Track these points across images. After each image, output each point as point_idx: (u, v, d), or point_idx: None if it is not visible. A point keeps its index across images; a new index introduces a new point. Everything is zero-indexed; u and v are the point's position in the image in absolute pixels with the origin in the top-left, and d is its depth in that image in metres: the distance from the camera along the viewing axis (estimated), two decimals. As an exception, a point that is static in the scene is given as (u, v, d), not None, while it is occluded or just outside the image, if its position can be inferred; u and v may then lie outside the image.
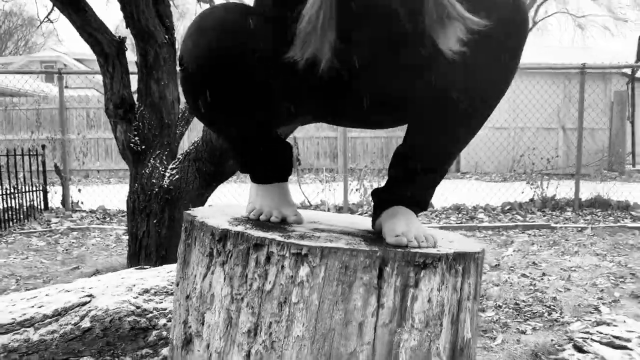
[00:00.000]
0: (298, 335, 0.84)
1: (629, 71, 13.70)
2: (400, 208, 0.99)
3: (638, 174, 11.69)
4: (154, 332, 1.26)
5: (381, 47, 0.94)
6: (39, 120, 11.66)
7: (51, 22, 6.06)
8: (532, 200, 5.65)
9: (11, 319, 1.13)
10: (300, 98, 1.00)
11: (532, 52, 14.77)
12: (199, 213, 1.06)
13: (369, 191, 5.43)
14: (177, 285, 1.05)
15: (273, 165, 1.08)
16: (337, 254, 0.83)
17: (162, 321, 1.28)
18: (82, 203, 5.65)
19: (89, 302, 1.21)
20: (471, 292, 0.94)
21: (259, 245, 0.87)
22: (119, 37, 2.96)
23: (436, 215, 5.40)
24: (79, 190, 5.68)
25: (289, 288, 0.84)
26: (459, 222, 5.12)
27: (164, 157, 3.05)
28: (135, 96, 3.10)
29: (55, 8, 5.50)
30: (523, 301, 2.79)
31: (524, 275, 3.32)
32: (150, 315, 1.26)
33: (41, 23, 5.87)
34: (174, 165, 3.04)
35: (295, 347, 0.84)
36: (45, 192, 5.39)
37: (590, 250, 4.01)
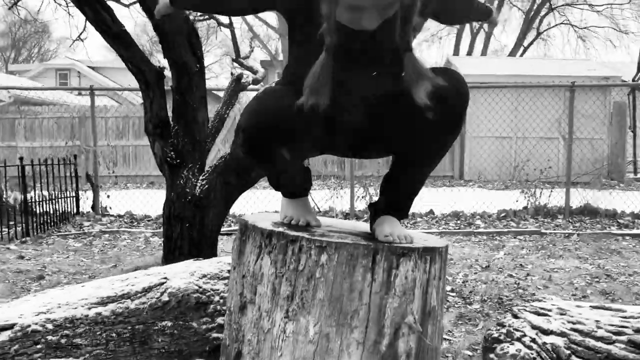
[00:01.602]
0: (320, 299, 1.29)
1: (630, 81, 14.08)
2: (388, 217, 1.44)
3: (637, 183, 12.04)
4: (211, 306, 1.72)
5: (370, 103, 1.40)
6: (60, 128, 12.22)
7: (82, 40, 6.58)
8: (525, 208, 6.07)
9: (114, 293, 1.58)
10: (316, 143, 1.44)
11: (534, 63, 15.19)
12: (249, 219, 1.52)
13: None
14: (234, 269, 1.51)
15: (298, 186, 1.54)
16: (346, 247, 1.29)
17: (216, 298, 1.73)
18: (110, 208, 6.14)
19: (165, 282, 1.67)
20: (437, 274, 1.39)
21: (294, 241, 1.33)
22: (159, 67, 3.44)
23: (436, 222, 5.84)
24: (108, 196, 6.17)
25: (314, 268, 1.30)
26: (457, 227, 5.56)
27: (196, 170, 3.52)
28: (170, 116, 3.57)
29: (85, 29, 5.99)
30: (506, 296, 3.22)
31: (510, 275, 3.75)
32: (209, 293, 1.72)
33: (73, 42, 6.37)
34: (204, 177, 3.51)
35: (318, 307, 1.29)
36: (77, 198, 5.89)
37: (574, 254, 4.43)
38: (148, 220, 5.87)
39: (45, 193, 5.36)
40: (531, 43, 22.89)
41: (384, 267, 1.30)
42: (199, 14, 4.77)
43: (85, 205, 6.14)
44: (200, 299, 1.68)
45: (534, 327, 1.47)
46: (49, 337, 1.37)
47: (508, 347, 1.46)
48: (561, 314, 1.47)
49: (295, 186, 1.54)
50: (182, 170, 3.50)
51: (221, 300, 1.73)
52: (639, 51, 14.16)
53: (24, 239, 4.94)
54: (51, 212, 5.47)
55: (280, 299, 1.33)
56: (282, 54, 20.16)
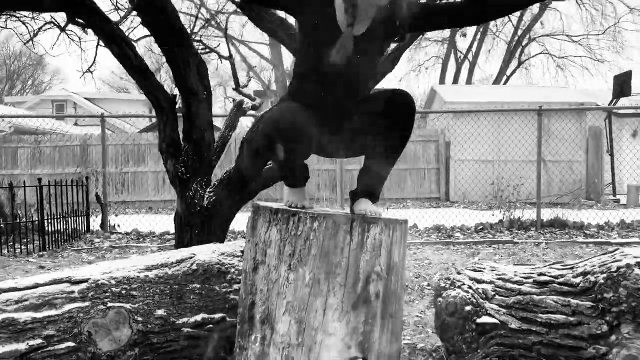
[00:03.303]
0: (313, 254, 1.80)
1: (606, 106, 14.81)
2: (363, 199, 1.96)
3: (614, 203, 12.64)
4: (229, 276, 2.21)
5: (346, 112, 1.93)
6: (62, 156, 12.71)
7: (91, 72, 7.13)
8: (501, 221, 6.60)
9: (156, 263, 2.07)
10: (314, 145, 1.97)
11: (516, 91, 15.94)
12: (260, 204, 2.03)
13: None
14: (249, 241, 2.01)
15: (299, 178, 2.06)
16: (331, 217, 1.80)
17: (233, 270, 2.23)
18: (118, 226, 6.61)
19: (194, 257, 2.17)
20: (398, 240, 1.90)
21: (294, 214, 1.84)
22: (172, 95, 3.97)
23: (419, 235, 6.35)
24: (116, 215, 6.64)
25: (309, 233, 1.81)
26: (438, 239, 6.07)
27: (204, 184, 4.02)
28: (181, 137, 4.08)
29: (95, 63, 6.54)
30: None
31: (481, 274, 4.25)
32: (227, 266, 2.21)
33: (84, 74, 6.91)
34: (211, 190, 4.01)
35: (312, 260, 1.79)
36: (88, 217, 6.35)
37: (541, 259, 4.94)
38: (154, 237, 6.33)
39: (59, 212, 5.82)
40: (514, 72, 23.81)
41: (359, 231, 1.81)
42: (205, 48, 5.35)
43: (95, 224, 6.60)
44: (221, 270, 2.18)
45: (471, 279, 1.97)
46: (113, 289, 1.86)
47: (451, 292, 1.95)
48: (492, 270, 1.97)
49: (296, 179, 2.05)
50: (192, 184, 4.00)
51: (236, 272, 2.22)
52: (613, 79, 14.89)
53: (41, 254, 5.39)
54: (63, 230, 5.92)
55: (285, 256, 1.84)
56: (275, 84, 20.86)
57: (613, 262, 1.75)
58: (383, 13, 1.90)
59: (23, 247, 5.48)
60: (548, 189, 12.67)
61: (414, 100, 1.89)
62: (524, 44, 22.97)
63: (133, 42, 5.71)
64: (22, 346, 1.58)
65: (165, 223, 7.46)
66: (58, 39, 6.31)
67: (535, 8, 22.30)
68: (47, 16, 6.74)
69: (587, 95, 15.67)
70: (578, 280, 1.81)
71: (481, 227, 6.50)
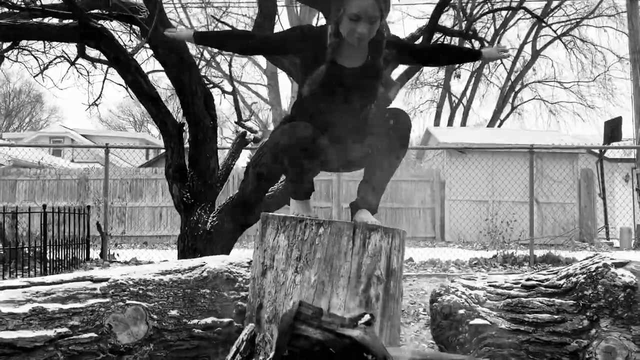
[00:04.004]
0: (318, 258, 1.94)
1: (597, 150, 15.17)
2: (363, 209, 2.12)
3: (607, 245, 12.79)
4: (237, 283, 2.34)
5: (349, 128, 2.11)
6: (60, 189, 12.84)
7: (96, 105, 7.36)
8: (495, 256, 6.74)
9: (169, 268, 2.20)
10: (320, 160, 2.14)
11: (509, 134, 16.31)
12: (269, 214, 2.18)
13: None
14: (257, 248, 2.15)
15: (305, 192, 2.22)
16: (335, 223, 1.95)
17: (240, 278, 2.36)
18: (118, 255, 6.70)
19: (205, 265, 2.30)
20: (397, 247, 2.05)
21: (301, 221, 1.99)
22: (180, 122, 4.16)
23: (415, 267, 6.46)
24: (116, 245, 6.74)
25: (314, 238, 1.96)
26: (433, 272, 6.18)
27: (207, 208, 4.17)
28: (187, 163, 4.25)
29: (101, 97, 6.77)
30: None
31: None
32: (235, 274, 2.34)
33: (89, 107, 7.13)
34: (214, 215, 4.16)
35: (317, 263, 1.94)
36: (88, 245, 6.45)
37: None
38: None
39: (61, 239, 5.92)
40: (507, 116, 24.35)
41: (360, 237, 1.96)
42: (209, 83, 5.59)
43: (94, 253, 6.69)
44: (230, 277, 2.31)
45: (464, 286, 2.11)
46: (131, 288, 1.98)
47: (445, 297, 2.08)
48: (483, 279, 2.11)
49: (301, 192, 2.22)
50: (196, 208, 4.15)
51: (244, 280, 2.35)
52: (604, 124, 15.30)
53: (42, 279, 5.46)
54: (64, 257, 6.01)
55: (292, 260, 1.98)
56: (272, 124, 21.24)
57: (592, 264, 1.90)
58: (376, 49, 2.13)
59: (24, 274, 5.55)
60: (541, 230, 12.84)
61: (409, 118, 2.08)
62: (516, 89, 23.59)
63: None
64: (51, 332, 1.70)
65: (162, 257, 7.52)
66: (67, 71, 6.56)
67: (527, 55, 23.03)
68: (57, 50, 7.00)
69: (579, 140, 16.04)
70: (561, 282, 1.96)
71: (475, 262, 6.63)
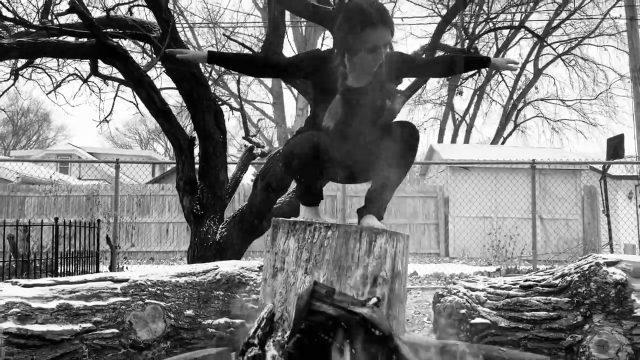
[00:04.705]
0: (327, 259, 2.05)
1: (600, 167, 15.26)
2: (369, 215, 2.23)
3: (611, 261, 12.80)
4: (247, 287, 2.45)
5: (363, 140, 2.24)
6: (69, 205, 12.99)
7: (107, 121, 7.54)
8: (498, 270, 6.81)
9: (185, 271, 2.32)
10: (328, 170, 2.26)
11: (513, 151, 16.42)
12: (280, 219, 2.30)
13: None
14: (268, 251, 2.26)
15: (314, 199, 2.34)
16: (343, 226, 2.07)
17: (251, 282, 2.47)
18: (126, 268, 6.80)
19: (218, 268, 2.41)
20: (401, 250, 2.16)
21: (310, 224, 2.11)
22: (191, 136, 4.31)
23: (419, 281, 6.54)
24: (124, 258, 6.85)
25: (323, 240, 2.07)
26: (438, 285, 6.26)
27: (216, 220, 4.29)
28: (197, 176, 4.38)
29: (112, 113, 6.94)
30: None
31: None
32: (246, 278, 2.45)
33: (100, 123, 7.30)
34: (223, 226, 4.27)
35: (326, 264, 2.05)
36: (97, 258, 6.56)
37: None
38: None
39: (71, 252, 6.04)
40: (510, 134, 24.49)
41: (367, 240, 2.07)
42: (217, 100, 5.74)
43: (103, 267, 6.79)
44: (242, 280, 2.43)
45: (466, 287, 2.21)
46: (149, 289, 2.10)
47: (448, 297, 2.18)
48: (484, 281, 2.21)
49: (311, 199, 2.33)
50: (205, 219, 4.27)
51: (254, 284, 2.47)
52: (607, 141, 15.41)
53: (53, 290, 5.57)
54: (74, 270, 6.12)
55: (301, 261, 2.09)
56: (277, 142, 21.43)
57: (585, 263, 2.01)
58: (380, 68, 2.25)
59: (35, 285, 5.66)
60: (545, 246, 12.87)
61: (417, 129, 2.20)
62: (519, 107, 23.76)
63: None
64: (76, 327, 1.81)
65: (171, 268, 7.62)
66: (80, 89, 6.74)
67: (529, 74, 23.24)
68: (70, 68, 7.19)
69: (581, 156, 16.12)
70: (557, 281, 2.06)
71: (479, 274, 6.70)
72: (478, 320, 2.09)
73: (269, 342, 1.61)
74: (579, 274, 1.99)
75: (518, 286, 2.13)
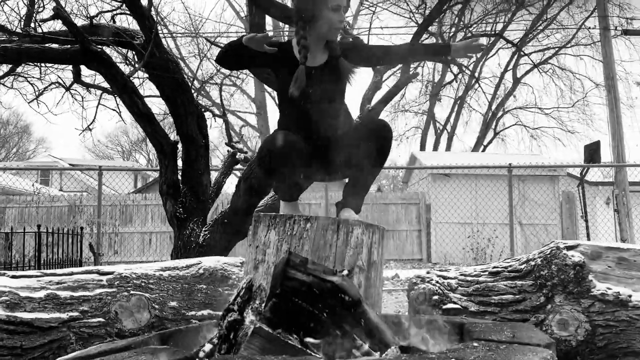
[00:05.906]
0: (306, 250, 2.14)
1: (578, 174, 15.57)
2: (347, 208, 2.33)
3: (590, 265, 13.04)
4: (230, 281, 2.53)
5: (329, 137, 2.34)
6: (49, 216, 12.90)
7: (90, 130, 7.56)
8: (478, 272, 6.95)
9: (168, 266, 2.39)
10: (308, 168, 2.36)
11: (493, 157, 16.69)
12: (261, 214, 2.39)
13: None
14: (250, 245, 2.35)
15: (292, 193, 2.43)
16: (321, 218, 2.16)
17: (233, 276, 2.55)
18: (109, 275, 6.82)
19: (201, 263, 2.49)
20: (377, 241, 2.26)
21: (290, 218, 2.20)
22: (174, 141, 4.38)
23: (401, 283, 6.64)
24: (107, 264, 6.86)
25: (302, 232, 2.16)
26: (418, 287, 6.37)
27: (199, 223, 4.36)
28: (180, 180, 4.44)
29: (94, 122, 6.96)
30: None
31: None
32: (229, 272, 2.53)
33: (83, 132, 7.32)
34: (206, 229, 4.34)
35: (305, 254, 2.14)
36: (81, 265, 6.56)
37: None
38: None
39: (54, 259, 6.04)
40: (490, 142, 24.86)
41: (344, 231, 2.17)
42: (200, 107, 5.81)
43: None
44: (224, 274, 2.51)
45: (438, 275, 2.32)
46: (134, 281, 2.17)
47: (421, 285, 2.28)
48: (456, 270, 2.33)
49: (289, 193, 2.43)
50: (189, 223, 4.34)
51: (237, 278, 2.55)
52: (584, 148, 15.73)
53: (35, 297, 5.56)
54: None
55: (282, 253, 2.18)
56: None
57: (547, 249, 2.13)
58: (335, 49, 2.35)
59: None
60: (525, 250, 13.07)
61: (390, 126, 2.31)
62: (498, 115, 24.16)
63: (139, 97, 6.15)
64: (64, 315, 1.87)
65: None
66: (62, 97, 6.76)
67: (508, 83, 23.67)
68: (53, 77, 7.21)
69: (559, 162, 16.42)
70: (522, 266, 2.18)
71: (459, 277, 6.83)
72: (450, 305, 2.20)
73: (247, 308, 1.69)
74: (541, 258, 2.12)
75: (487, 273, 2.25)
